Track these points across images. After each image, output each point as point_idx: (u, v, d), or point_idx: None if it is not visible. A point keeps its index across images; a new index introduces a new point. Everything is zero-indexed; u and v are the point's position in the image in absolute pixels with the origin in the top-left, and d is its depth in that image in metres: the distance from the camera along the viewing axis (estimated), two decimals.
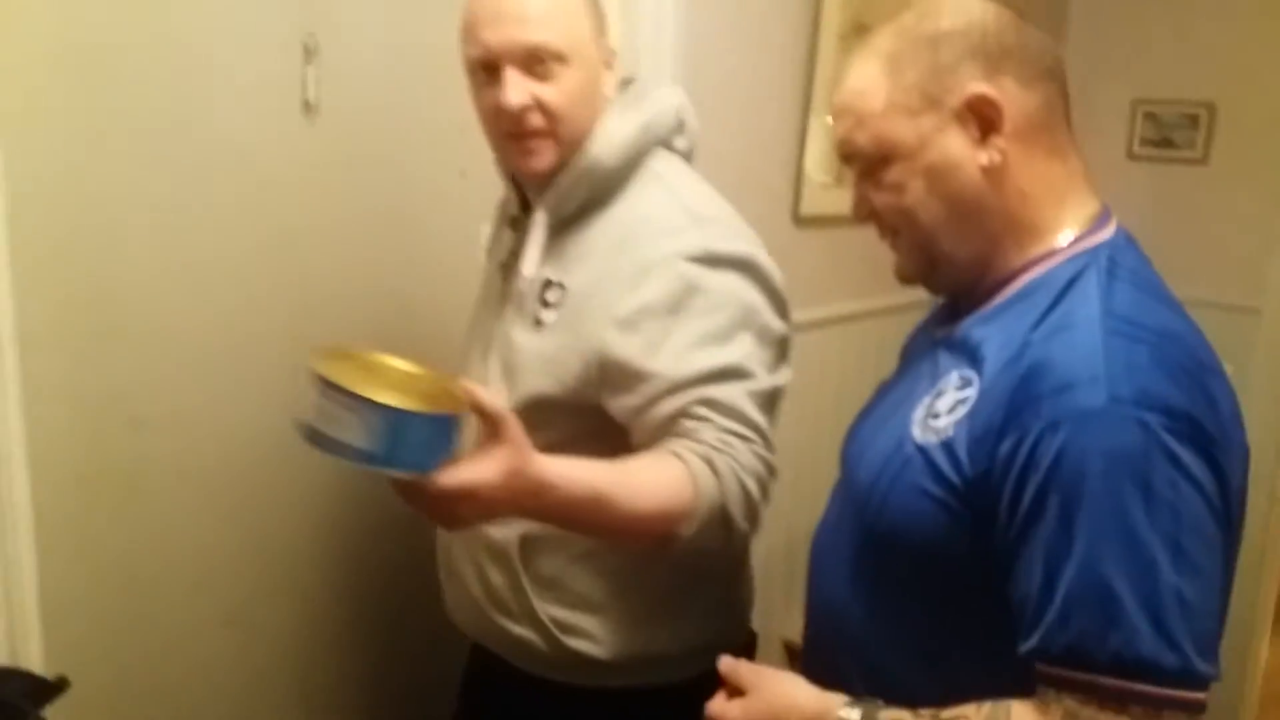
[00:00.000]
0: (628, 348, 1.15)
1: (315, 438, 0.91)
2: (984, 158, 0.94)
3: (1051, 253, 0.95)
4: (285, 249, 1.48)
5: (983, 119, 0.93)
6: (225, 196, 1.40)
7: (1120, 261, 0.92)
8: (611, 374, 1.17)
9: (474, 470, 0.96)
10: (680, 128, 1.30)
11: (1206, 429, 0.82)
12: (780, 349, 1.23)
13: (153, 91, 1.30)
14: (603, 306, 1.17)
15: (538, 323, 1.23)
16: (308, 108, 1.47)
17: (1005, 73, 0.93)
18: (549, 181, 1.25)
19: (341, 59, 1.50)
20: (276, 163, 1.45)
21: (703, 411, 1.13)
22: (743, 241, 1.21)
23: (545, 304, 1.23)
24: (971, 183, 0.94)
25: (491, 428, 0.97)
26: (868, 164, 0.98)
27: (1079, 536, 0.80)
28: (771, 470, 1.17)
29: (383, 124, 1.58)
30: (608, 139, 1.22)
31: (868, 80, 0.97)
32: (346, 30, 1.50)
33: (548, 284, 1.24)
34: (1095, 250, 0.93)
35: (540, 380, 1.22)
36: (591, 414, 1.20)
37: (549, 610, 1.27)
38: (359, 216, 1.57)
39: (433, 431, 0.93)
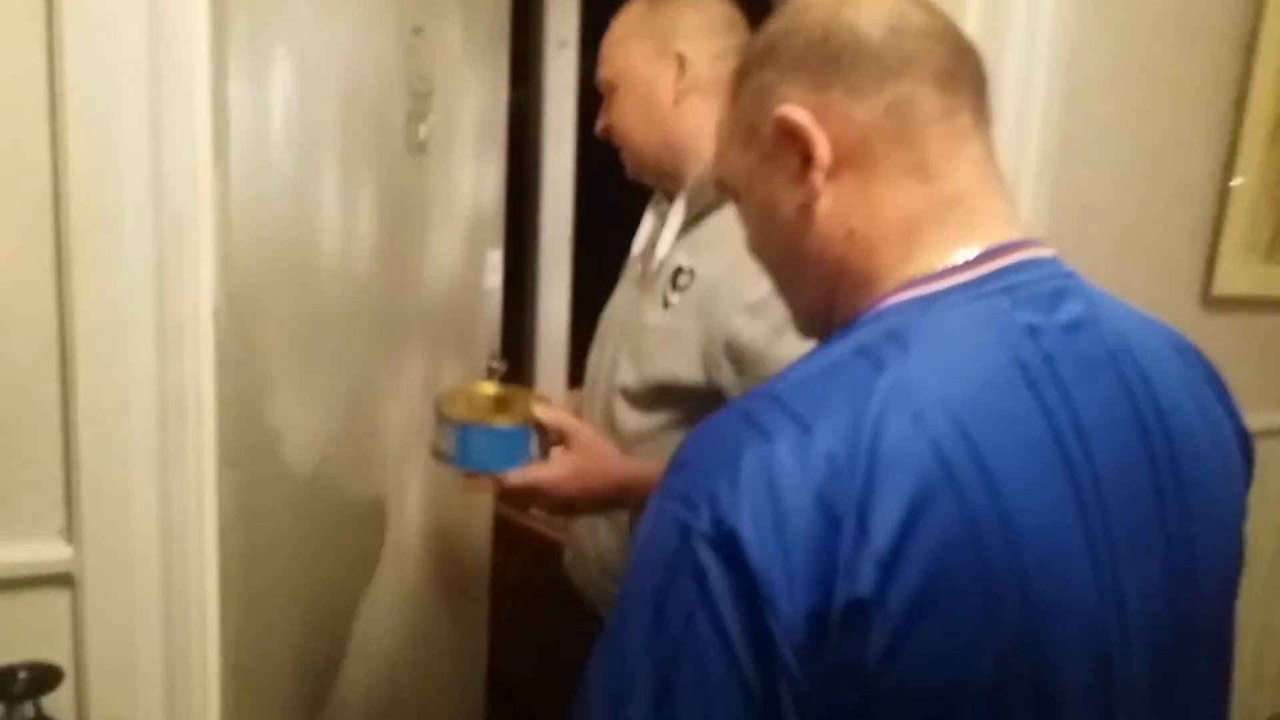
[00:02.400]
0: (755, 332, 1.18)
1: (432, 452, 1.20)
2: (799, 194, 0.72)
3: (873, 307, 0.70)
4: None
5: (799, 146, 0.72)
6: None
7: (893, 336, 0.65)
8: (737, 357, 1.21)
9: (537, 472, 1.16)
10: None
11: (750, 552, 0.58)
12: None
13: None
14: (733, 292, 1.21)
15: (666, 304, 1.30)
16: None
17: (834, 84, 0.71)
18: (682, 180, 1.35)
19: None
20: None
21: None
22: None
23: (675, 286, 1.30)
24: (788, 225, 0.74)
25: (559, 438, 1.18)
26: (734, 200, 0.82)
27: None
28: None
29: None
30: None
31: (724, 105, 0.81)
32: None
33: (679, 269, 1.31)
34: (898, 308, 0.68)
35: (663, 360, 1.28)
36: (713, 398, 1.23)
37: None
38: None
39: (496, 439, 1.17)
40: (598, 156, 1.65)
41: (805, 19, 0.73)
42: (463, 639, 2.29)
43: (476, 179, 2.11)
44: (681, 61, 1.31)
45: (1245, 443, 0.79)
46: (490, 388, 1.33)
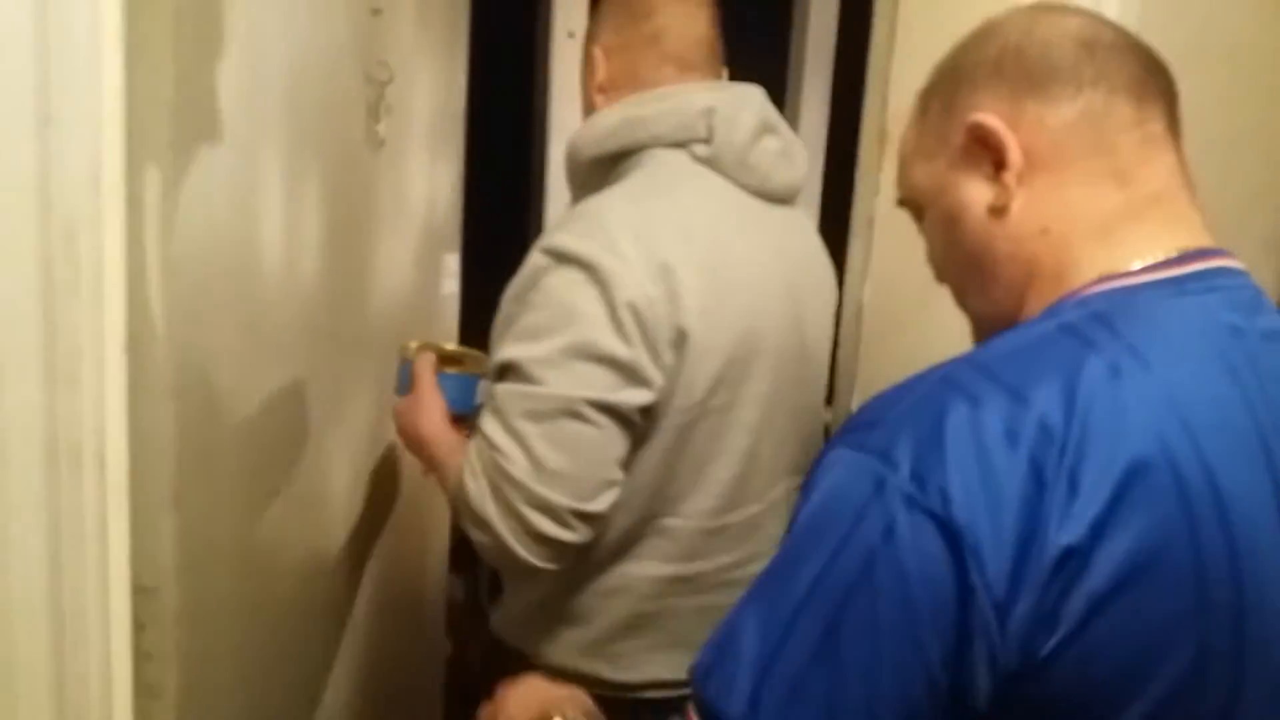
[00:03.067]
0: (494, 328, 1.20)
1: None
2: (989, 196, 0.76)
3: (1071, 297, 0.72)
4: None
5: (991, 151, 0.76)
6: None
7: (1101, 319, 0.68)
8: None
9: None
10: (705, 135, 1.21)
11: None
12: (615, 368, 1.09)
13: None
14: None
15: None
16: None
17: (1028, 93, 0.75)
18: None
19: None
20: None
21: (490, 402, 1.16)
22: (595, 245, 1.10)
23: None
24: (979, 227, 0.77)
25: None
26: (916, 216, 0.87)
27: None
28: (514, 483, 1.09)
29: None
30: (588, 128, 1.27)
31: (908, 122, 0.86)
32: None
33: None
34: (1101, 296, 0.71)
35: None
36: None
37: None
38: None
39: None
40: None
41: (997, 37, 0.78)
42: (420, 668, 2.12)
43: (434, 177, 1.92)
44: None
45: None
46: (451, 346, 1.50)
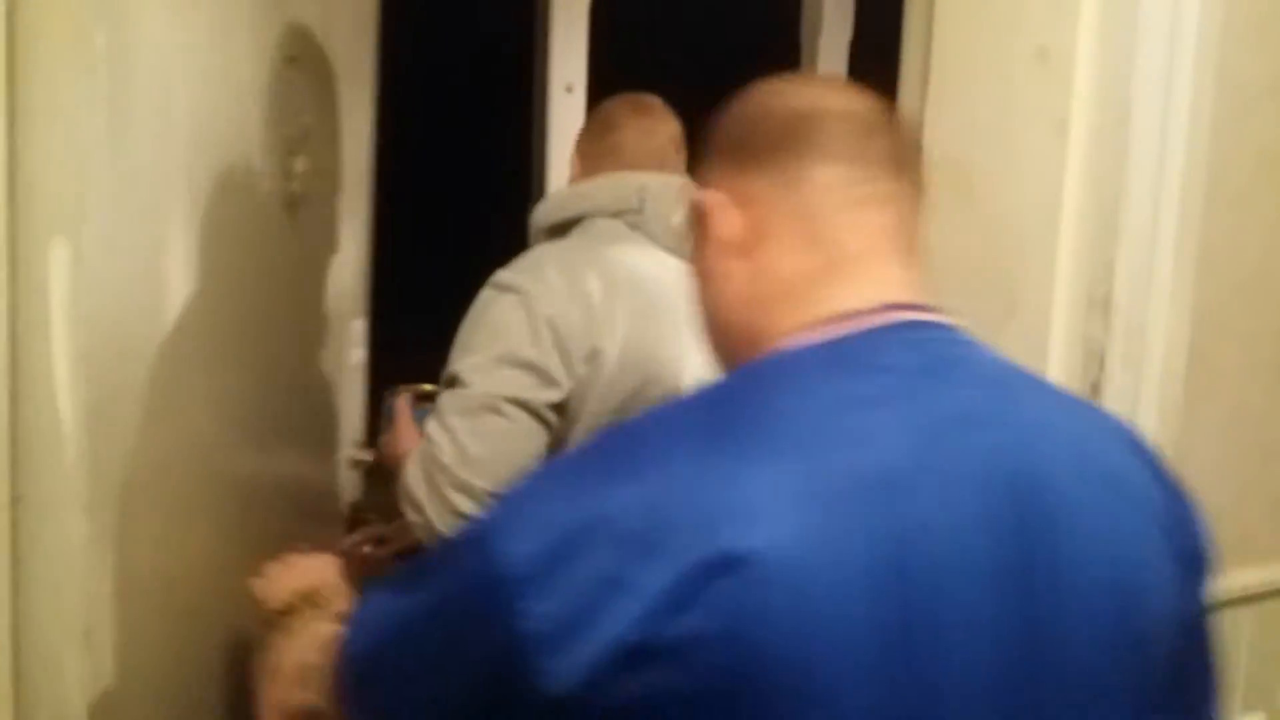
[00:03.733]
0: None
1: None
2: (715, 267, 0.79)
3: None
4: None
5: (708, 226, 0.79)
6: None
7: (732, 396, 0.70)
8: None
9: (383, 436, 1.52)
10: (637, 206, 1.42)
11: None
12: (531, 371, 1.28)
13: None
14: None
15: None
16: None
17: (747, 166, 0.77)
18: None
19: None
20: None
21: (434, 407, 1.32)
22: (527, 275, 1.32)
23: None
24: (709, 294, 0.81)
25: None
26: None
27: None
28: (441, 468, 1.24)
29: None
30: (543, 203, 1.52)
31: None
32: None
33: None
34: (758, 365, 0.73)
35: None
36: None
37: None
38: None
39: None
40: None
41: (739, 107, 0.80)
42: None
43: (343, 238, 1.77)
44: None
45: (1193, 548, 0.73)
46: (429, 387, 1.50)
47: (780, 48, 2.63)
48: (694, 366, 1.32)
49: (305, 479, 1.64)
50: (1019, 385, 0.73)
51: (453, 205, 2.41)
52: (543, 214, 1.47)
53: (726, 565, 0.56)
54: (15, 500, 0.96)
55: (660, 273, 1.37)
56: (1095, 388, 1.05)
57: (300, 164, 1.47)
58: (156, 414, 1.09)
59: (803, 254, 0.74)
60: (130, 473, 1.04)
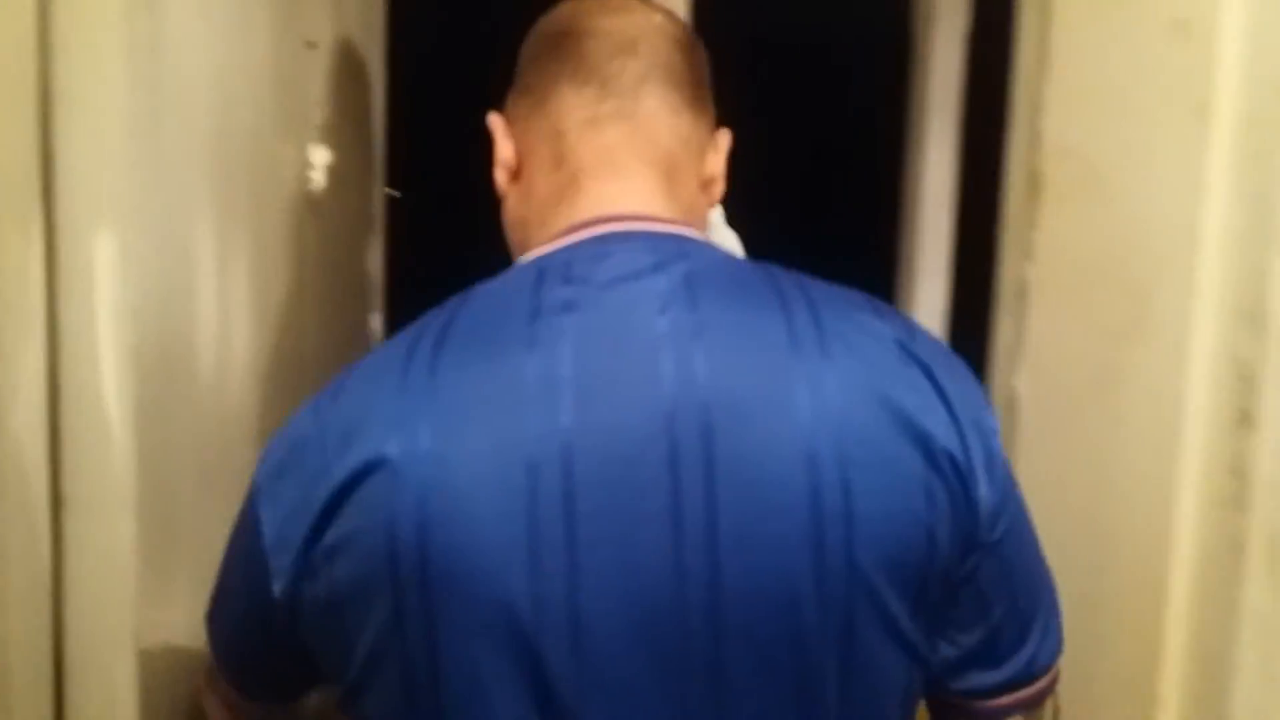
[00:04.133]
0: None
1: None
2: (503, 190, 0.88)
3: None
4: None
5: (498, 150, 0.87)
6: None
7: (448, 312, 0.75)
8: None
9: None
10: None
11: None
12: None
13: None
14: None
15: None
16: None
17: (518, 91, 0.86)
18: None
19: None
20: None
21: None
22: None
23: None
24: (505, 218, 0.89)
25: None
26: None
27: None
28: None
29: None
30: None
31: None
32: None
33: None
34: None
35: None
36: None
37: None
38: None
39: None
40: None
41: (528, 34, 0.86)
42: None
43: (364, 230, 1.73)
44: None
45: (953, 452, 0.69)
46: None
47: (891, 36, 2.36)
48: None
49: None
50: (711, 299, 0.70)
51: (465, 198, 2.37)
52: None
53: (368, 470, 0.66)
54: (59, 502, 0.92)
55: None
56: (1245, 416, 0.85)
57: (321, 155, 1.43)
58: (205, 412, 1.05)
59: (550, 174, 0.80)
60: (179, 472, 1.01)
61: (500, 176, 0.84)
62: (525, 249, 0.80)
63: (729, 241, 1.14)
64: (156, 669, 0.97)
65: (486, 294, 0.75)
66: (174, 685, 1.02)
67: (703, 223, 0.86)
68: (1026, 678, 0.75)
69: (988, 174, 1.27)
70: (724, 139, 0.86)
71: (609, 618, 0.64)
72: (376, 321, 1.86)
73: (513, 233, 0.84)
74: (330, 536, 0.67)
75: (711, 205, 0.87)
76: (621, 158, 0.79)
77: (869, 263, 2.50)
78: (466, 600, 0.64)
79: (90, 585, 0.93)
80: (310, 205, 1.42)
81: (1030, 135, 1.15)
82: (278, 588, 0.70)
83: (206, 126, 1.06)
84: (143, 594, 0.95)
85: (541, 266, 0.74)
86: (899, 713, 0.71)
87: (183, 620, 1.05)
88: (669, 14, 0.85)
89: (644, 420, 0.66)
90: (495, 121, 0.84)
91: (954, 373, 0.71)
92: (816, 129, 2.51)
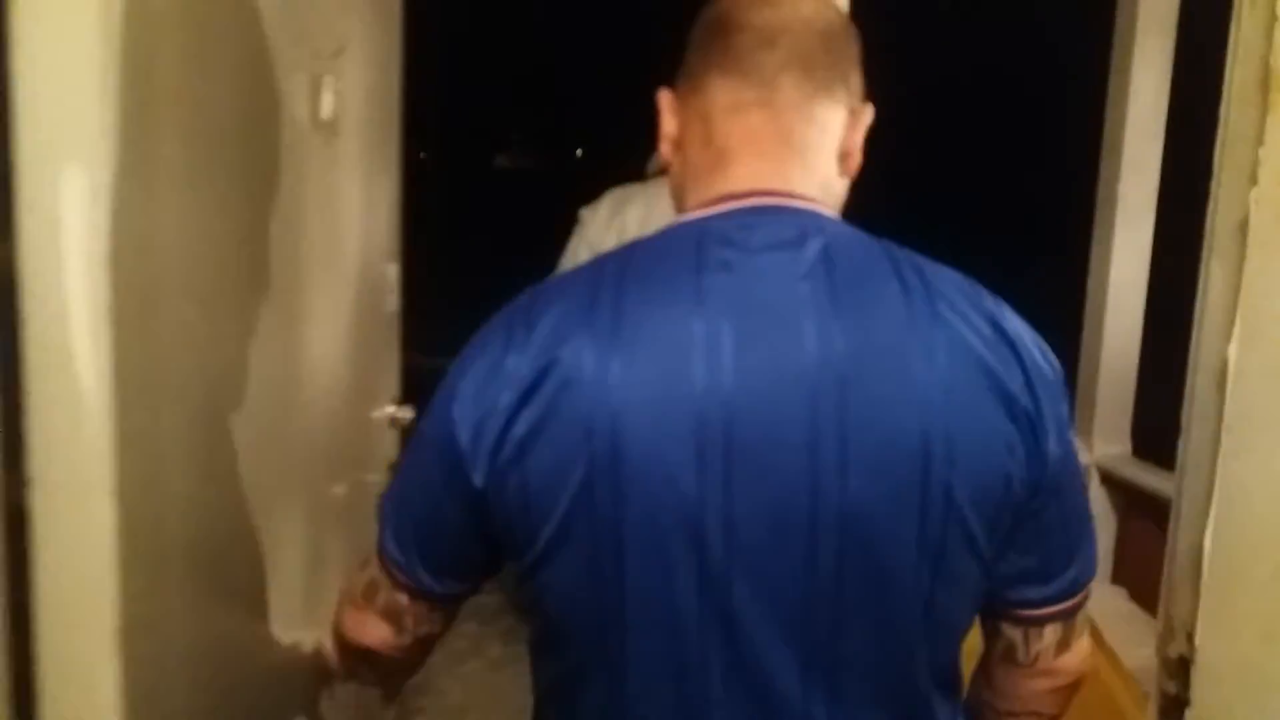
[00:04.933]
0: None
1: None
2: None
3: None
4: None
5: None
6: None
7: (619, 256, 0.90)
8: None
9: None
10: None
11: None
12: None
13: None
14: None
15: None
16: None
17: (680, 75, 0.96)
18: None
19: None
20: None
21: None
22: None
23: None
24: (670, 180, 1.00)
25: None
26: None
27: None
28: None
29: None
30: None
31: None
32: None
33: None
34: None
35: None
36: None
37: None
38: None
39: None
40: None
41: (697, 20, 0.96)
42: None
43: (380, 171, 1.59)
44: None
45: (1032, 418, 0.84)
46: None
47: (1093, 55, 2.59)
48: None
49: (344, 439, 1.47)
50: (844, 270, 0.84)
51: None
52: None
53: (566, 385, 0.80)
54: (23, 484, 0.79)
55: None
56: None
57: (331, 84, 1.29)
58: (191, 376, 0.92)
59: (702, 150, 0.92)
60: (165, 448, 0.88)
61: (664, 147, 0.96)
62: (682, 209, 0.94)
63: None
64: (145, 675, 0.85)
65: (653, 249, 0.89)
66: (168, 694, 0.90)
67: (838, 195, 0.96)
68: (1070, 594, 0.93)
69: (1202, 90, 1.02)
70: (866, 115, 0.95)
71: (753, 518, 0.81)
72: (393, 272, 1.73)
73: (674, 195, 0.97)
74: (520, 428, 0.82)
75: (848, 177, 0.96)
76: (763, 140, 0.91)
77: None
78: (649, 491, 0.80)
79: (64, 579, 0.81)
80: (321, 139, 1.28)
81: (1262, 26, 0.91)
82: (478, 478, 0.84)
83: (187, 49, 0.91)
84: (127, 589, 0.82)
85: (702, 229, 0.88)
86: (971, 608, 0.90)
87: (178, 618, 0.93)
88: (819, 4, 0.94)
89: (791, 373, 0.81)
90: (664, 97, 0.96)
91: (1033, 347, 0.86)
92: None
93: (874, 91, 0.94)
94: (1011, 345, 0.84)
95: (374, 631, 0.97)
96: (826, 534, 0.81)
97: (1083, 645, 0.98)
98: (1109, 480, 2.81)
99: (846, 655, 0.85)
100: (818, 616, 0.83)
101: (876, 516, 0.82)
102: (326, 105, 1.27)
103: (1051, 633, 0.95)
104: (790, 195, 0.90)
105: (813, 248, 0.85)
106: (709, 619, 0.83)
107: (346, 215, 1.45)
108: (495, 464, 0.84)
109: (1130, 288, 2.76)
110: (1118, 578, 2.74)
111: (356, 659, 1.00)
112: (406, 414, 1.67)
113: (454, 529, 0.90)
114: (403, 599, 0.94)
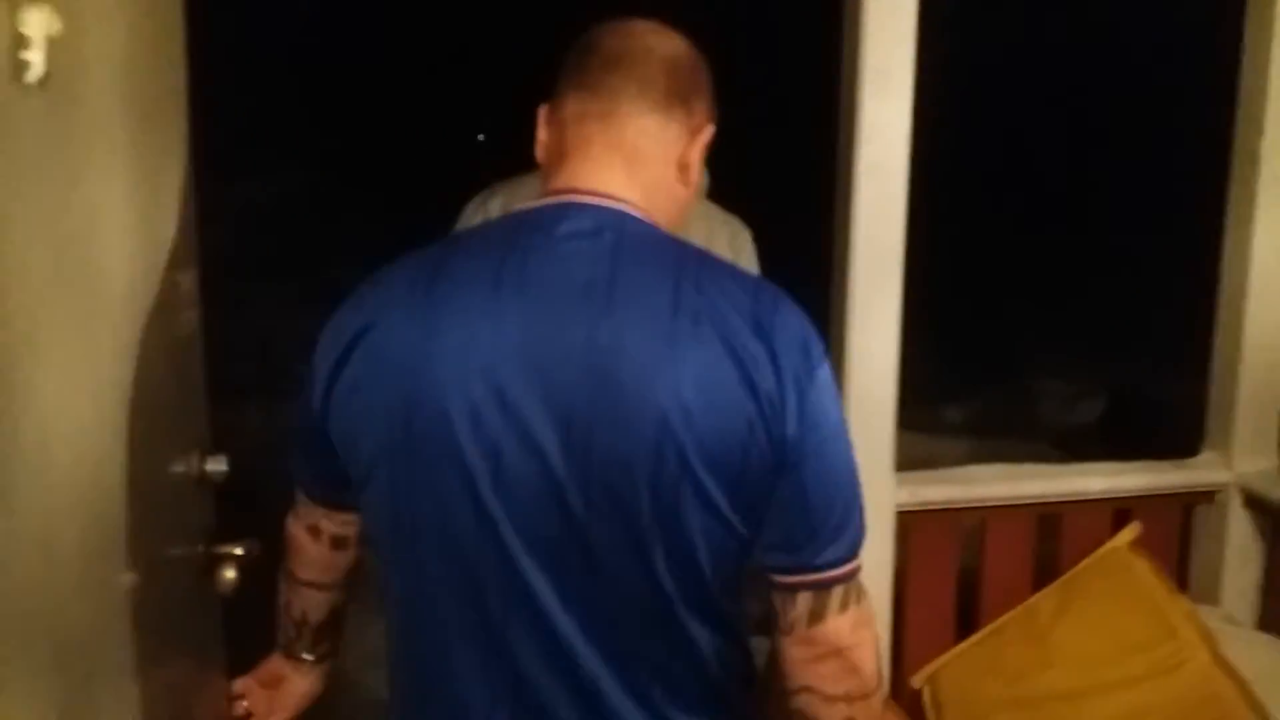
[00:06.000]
0: None
1: None
2: None
3: None
4: None
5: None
6: None
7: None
8: None
9: None
10: None
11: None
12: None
13: None
14: None
15: None
16: None
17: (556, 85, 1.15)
18: None
19: None
20: None
21: None
22: None
23: None
24: None
25: None
26: None
27: None
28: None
29: None
30: None
31: None
32: None
33: None
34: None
35: None
36: None
37: None
38: None
39: None
40: None
41: None
42: None
43: (152, 148, 1.20)
44: None
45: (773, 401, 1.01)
46: None
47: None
48: None
49: (126, 510, 1.08)
50: (627, 262, 1.02)
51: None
52: None
53: (379, 347, 1.03)
54: None
55: None
56: None
57: (39, 20, 0.90)
58: None
59: (554, 153, 1.13)
60: None
61: (538, 151, 1.15)
62: None
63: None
64: None
65: (483, 233, 1.18)
66: None
67: (678, 201, 1.14)
68: (817, 567, 1.06)
69: None
70: (705, 134, 1.13)
71: (516, 467, 1.00)
72: (187, 281, 1.33)
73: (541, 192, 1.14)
74: (343, 376, 1.05)
75: (688, 187, 1.14)
76: (593, 145, 1.10)
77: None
78: (436, 438, 1.00)
79: None
80: (28, 96, 0.89)
81: None
82: (320, 413, 1.08)
83: None
84: None
85: (522, 218, 1.09)
86: (726, 562, 1.05)
87: None
88: (670, 38, 1.13)
89: (561, 348, 0.99)
90: (541, 112, 1.15)
91: (793, 346, 1.01)
92: None
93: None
94: (767, 339, 0.99)
95: (299, 534, 1.29)
96: (575, 483, 0.99)
97: (841, 622, 1.07)
98: (1255, 503, 2.34)
99: (599, 585, 1.02)
100: (569, 550, 1.01)
101: (617, 471, 0.98)
102: (30, 48, 0.88)
103: (804, 601, 1.06)
104: (602, 195, 1.07)
105: (607, 241, 1.03)
106: (484, 546, 1.01)
107: (102, 212, 1.06)
108: (329, 404, 1.06)
109: (1276, 272, 2.27)
110: (1267, 621, 2.30)
111: (296, 560, 1.30)
112: (219, 466, 1.28)
113: (318, 450, 1.11)
114: (310, 506, 1.26)
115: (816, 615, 1.06)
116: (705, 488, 0.98)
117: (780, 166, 5.32)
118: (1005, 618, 2.34)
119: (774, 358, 0.99)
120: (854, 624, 1.07)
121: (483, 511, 0.99)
